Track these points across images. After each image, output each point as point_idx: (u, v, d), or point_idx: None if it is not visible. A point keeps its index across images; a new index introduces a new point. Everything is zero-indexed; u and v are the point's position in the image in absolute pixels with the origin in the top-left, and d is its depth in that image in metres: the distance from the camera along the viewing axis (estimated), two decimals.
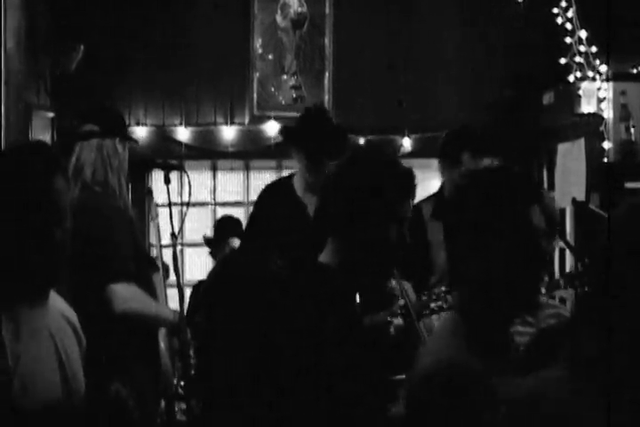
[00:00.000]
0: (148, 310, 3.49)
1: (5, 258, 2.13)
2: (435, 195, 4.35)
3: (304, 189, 4.11)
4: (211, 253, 5.51)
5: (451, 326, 1.95)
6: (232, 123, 6.58)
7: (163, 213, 3.97)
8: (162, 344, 3.67)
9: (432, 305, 3.65)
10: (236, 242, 5.16)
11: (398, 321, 3.64)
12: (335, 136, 4.10)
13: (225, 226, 5.44)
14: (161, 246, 4.22)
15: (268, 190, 4.23)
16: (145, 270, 3.60)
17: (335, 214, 2.18)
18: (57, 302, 2.29)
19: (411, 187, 2.27)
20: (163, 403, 3.63)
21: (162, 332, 3.70)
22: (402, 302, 3.53)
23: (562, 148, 5.94)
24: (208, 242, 5.53)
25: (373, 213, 2.18)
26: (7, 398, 2.01)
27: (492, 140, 4.55)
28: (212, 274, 4.67)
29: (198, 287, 5.30)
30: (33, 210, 2.10)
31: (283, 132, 4.62)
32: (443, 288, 3.70)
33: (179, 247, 6.33)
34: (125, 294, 3.38)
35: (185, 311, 3.59)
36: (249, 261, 1.60)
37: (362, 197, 2.18)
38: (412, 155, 6.38)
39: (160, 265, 3.86)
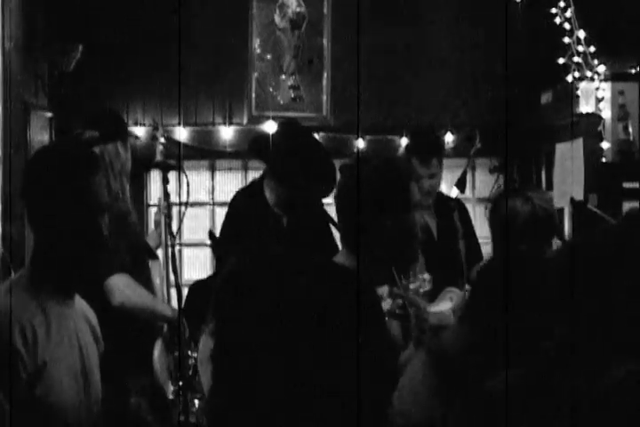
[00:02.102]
0: (144, 303, 3.50)
1: (46, 252, 2.11)
2: None
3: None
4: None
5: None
6: (230, 123, 6.58)
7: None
8: (155, 353, 3.63)
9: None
10: None
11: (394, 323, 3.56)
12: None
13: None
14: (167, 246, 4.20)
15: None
16: (143, 269, 3.61)
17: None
18: (79, 302, 2.27)
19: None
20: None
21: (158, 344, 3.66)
22: (400, 301, 3.47)
23: (560, 147, 5.93)
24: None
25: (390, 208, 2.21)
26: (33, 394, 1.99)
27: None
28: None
29: (196, 287, 5.28)
30: (74, 205, 2.08)
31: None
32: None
33: (177, 247, 6.33)
34: (121, 286, 3.39)
35: (183, 310, 3.58)
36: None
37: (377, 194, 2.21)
38: None
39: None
